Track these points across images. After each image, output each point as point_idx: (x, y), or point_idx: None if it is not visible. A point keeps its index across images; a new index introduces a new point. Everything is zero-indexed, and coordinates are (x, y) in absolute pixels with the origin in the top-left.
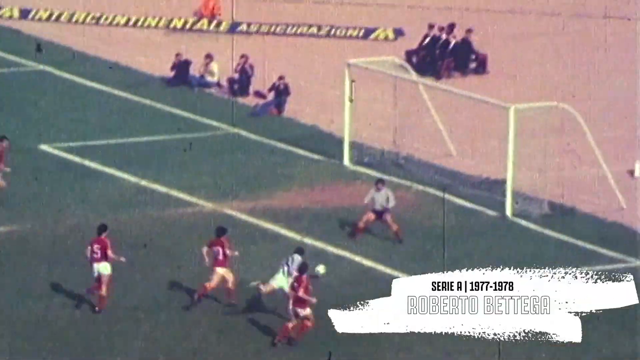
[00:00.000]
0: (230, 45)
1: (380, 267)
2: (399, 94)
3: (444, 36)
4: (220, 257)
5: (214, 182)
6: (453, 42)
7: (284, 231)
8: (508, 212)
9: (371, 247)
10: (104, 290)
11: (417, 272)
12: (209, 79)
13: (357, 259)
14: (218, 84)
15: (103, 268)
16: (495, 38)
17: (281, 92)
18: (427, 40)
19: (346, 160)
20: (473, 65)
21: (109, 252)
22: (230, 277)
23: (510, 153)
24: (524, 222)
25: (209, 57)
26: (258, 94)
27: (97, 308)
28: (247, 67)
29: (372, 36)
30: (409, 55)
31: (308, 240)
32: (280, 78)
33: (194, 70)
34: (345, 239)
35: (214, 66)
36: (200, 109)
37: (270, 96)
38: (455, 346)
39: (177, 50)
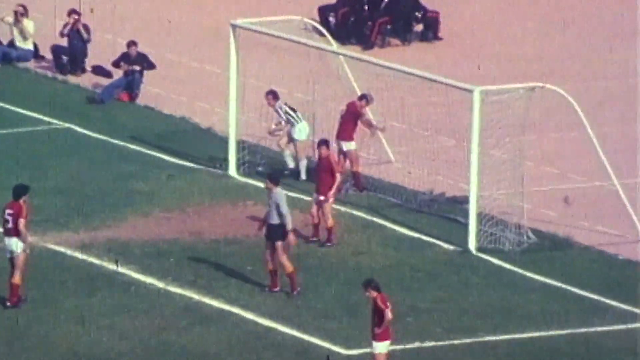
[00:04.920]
0: None
1: (283, 328)
2: (310, 71)
3: None
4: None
5: (32, 204)
6: None
7: (139, 275)
8: (471, 244)
9: (269, 299)
10: None
11: (337, 335)
12: (20, 44)
13: (250, 316)
14: (36, 54)
15: None
16: None
17: (133, 68)
18: None
19: (232, 170)
20: (419, 27)
21: None
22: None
23: (474, 156)
24: (495, 260)
25: (21, 9)
26: (99, 71)
27: None
28: (80, 28)
29: None
30: (323, 12)
31: (175, 289)
32: (132, 45)
33: None
34: (233, 289)
35: (28, 24)
36: (9, 92)
37: (119, 74)
38: None
39: None
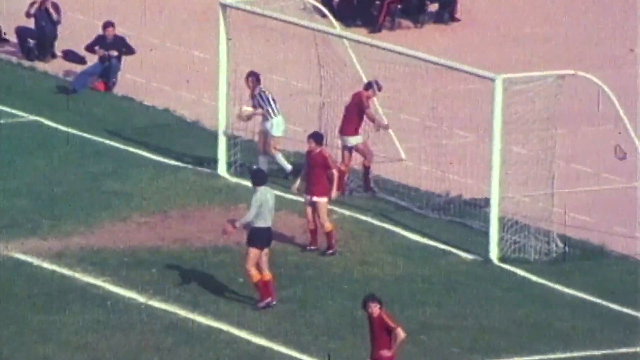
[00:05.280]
0: None
1: (279, 348)
2: (311, 56)
3: None
4: None
5: None
6: None
7: (116, 289)
8: (493, 253)
9: (264, 315)
10: None
11: (341, 356)
12: None
13: (242, 334)
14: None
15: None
16: None
17: (110, 53)
18: None
19: (222, 169)
20: (433, 7)
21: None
22: None
23: (496, 154)
24: (519, 271)
25: None
26: (70, 56)
27: None
28: (49, 7)
29: None
30: None
31: (158, 304)
32: (109, 27)
33: None
34: (223, 303)
35: None
36: None
37: (94, 59)
38: None
39: None
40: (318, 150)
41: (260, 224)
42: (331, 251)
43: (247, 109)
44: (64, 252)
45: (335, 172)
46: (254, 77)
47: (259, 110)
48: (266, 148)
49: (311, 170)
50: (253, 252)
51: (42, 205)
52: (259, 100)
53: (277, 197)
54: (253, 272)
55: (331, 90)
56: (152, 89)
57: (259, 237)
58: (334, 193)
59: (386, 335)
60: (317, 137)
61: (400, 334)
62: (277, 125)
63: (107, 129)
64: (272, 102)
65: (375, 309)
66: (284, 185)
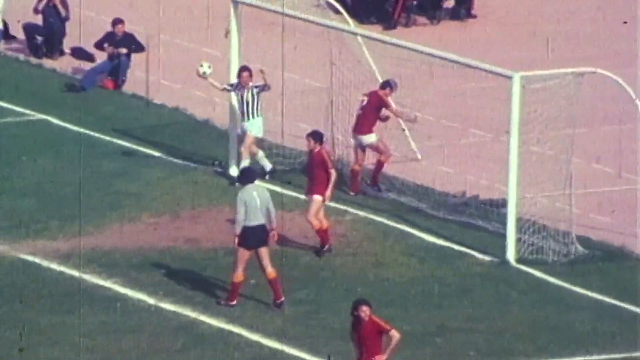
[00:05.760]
0: None
1: (292, 351)
2: (324, 53)
3: None
4: None
5: (4, 207)
6: None
7: (125, 290)
8: (510, 255)
9: (277, 317)
10: None
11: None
12: None
13: (254, 336)
14: (6, 34)
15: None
16: None
17: (119, 50)
18: None
19: (233, 169)
20: (450, 3)
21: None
22: None
23: (513, 153)
24: (537, 273)
25: None
26: (79, 54)
27: None
28: (57, 4)
29: None
30: None
31: (168, 306)
32: (118, 24)
33: None
34: (234, 305)
35: None
36: None
37: (103, 57)
38: None
39: None
40: (318, 149)
41: (245, 223)
42: (326, 247)
43: (209, 69)
44: (72, 253)
45: (333, 171)
46: (248, 72)
47: (221, 87)
48: (243, 146)
49: (311, 169)
50: (239, 251)
51: (50, 205)
52: (249, 94)
53: (290, 198)
54: (237, 272)
55: (344, 88)
56: (162, 87)
57: (244, 236)
58: (329, 193)
59: (378, 339)
60: (316, 136)
61: (396, 335)
62: (257, 127)
63: (116, 128)
64: (260, 102)
65: (367, 312)
66: (297, 186)
